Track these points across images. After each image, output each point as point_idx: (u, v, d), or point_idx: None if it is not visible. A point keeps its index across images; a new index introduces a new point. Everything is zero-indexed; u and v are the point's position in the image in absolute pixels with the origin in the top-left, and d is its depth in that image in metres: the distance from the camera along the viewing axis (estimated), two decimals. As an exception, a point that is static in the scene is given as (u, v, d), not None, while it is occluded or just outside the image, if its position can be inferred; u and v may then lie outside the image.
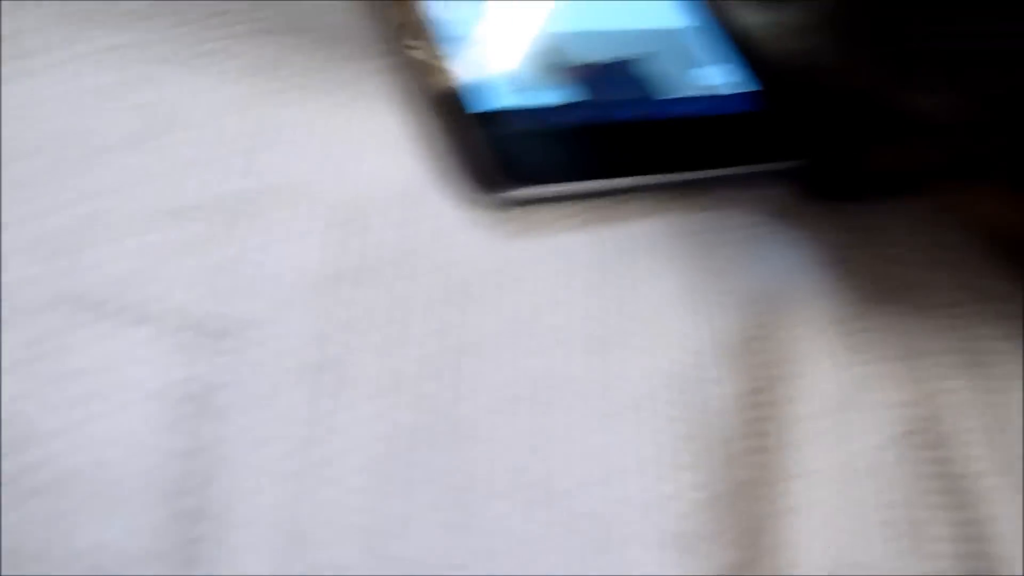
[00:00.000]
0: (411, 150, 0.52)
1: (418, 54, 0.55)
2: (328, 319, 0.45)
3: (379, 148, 0.51)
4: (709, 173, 0.55)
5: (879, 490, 0.47)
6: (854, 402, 0.49)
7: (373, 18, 0.57)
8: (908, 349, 0.52)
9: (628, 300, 0.49)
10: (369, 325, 0.45)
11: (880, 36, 0.52)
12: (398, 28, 0.56)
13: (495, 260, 0.49)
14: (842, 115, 0.57)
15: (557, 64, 0.56)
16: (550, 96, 0.55)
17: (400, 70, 0.54)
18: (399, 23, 0.56)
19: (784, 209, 0.56)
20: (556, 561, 0.41)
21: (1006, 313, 0.54)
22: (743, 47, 0.60)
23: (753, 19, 0.59)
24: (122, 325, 0.41)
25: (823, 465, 0.46)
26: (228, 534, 0.38)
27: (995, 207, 0.55)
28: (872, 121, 0.56)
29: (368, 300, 0.45)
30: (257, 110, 0.50)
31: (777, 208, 0.56)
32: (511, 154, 0.52)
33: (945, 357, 0.51)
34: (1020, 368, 0.51)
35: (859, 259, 0.55)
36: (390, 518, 0.40)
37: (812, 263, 0.54)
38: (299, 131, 0.51)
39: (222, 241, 0.45)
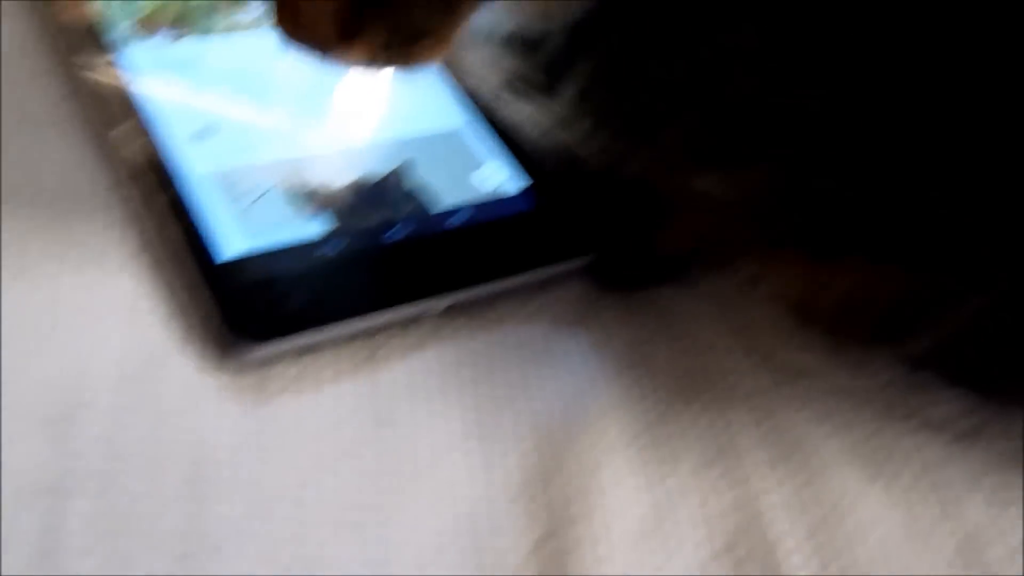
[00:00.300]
0: (146, 313, 0.46)
1: (153, 199, 0.49)
2: (50, 534, 0.38)
3: (107, 315, 0.46)
4: (491, 287, 0.51)
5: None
6: (666, 522, 0.45)
7: (99, 167, 0.51)
8: (718, 450, 0.48)
9: (405, 452, 0.45)
10: (96, 539, 0.39)
11: (639, 124, 0.49)
12: (129, 173, 0.50)
13: (246, 433, 0.43)
14: (622, 204, 0.54)
15: (309, 193, 0.52)
16: (304, 230, 0.50)
17: (133, 220, 0.49)
18: (130, 170, 0.50)
19: (576, 312, 0.52)
20: None
21: (817, 390, 0.51)
22: (514, 144, 0.56)
23: (521, 114, 0.56)
24: None
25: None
26: None
27: (796, 278, 0.52)
28: (653, 206, 0.53)
29: (93, 511, 0.39)
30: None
31: (569, 313, 0.52)
32: (261, 305, 0.47)
33: (758, 453, 0.48)
34: (838, 452, 0.48)
35: (660, 355, 0.52)
36: None
37: (609, 369, 0.50)
38: (13, 308, 0.44)
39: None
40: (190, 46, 0.57)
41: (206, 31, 0.59)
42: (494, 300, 0.51)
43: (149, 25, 0.57)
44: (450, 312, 0.50)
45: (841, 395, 0.50)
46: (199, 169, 0.51)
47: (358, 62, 0.41)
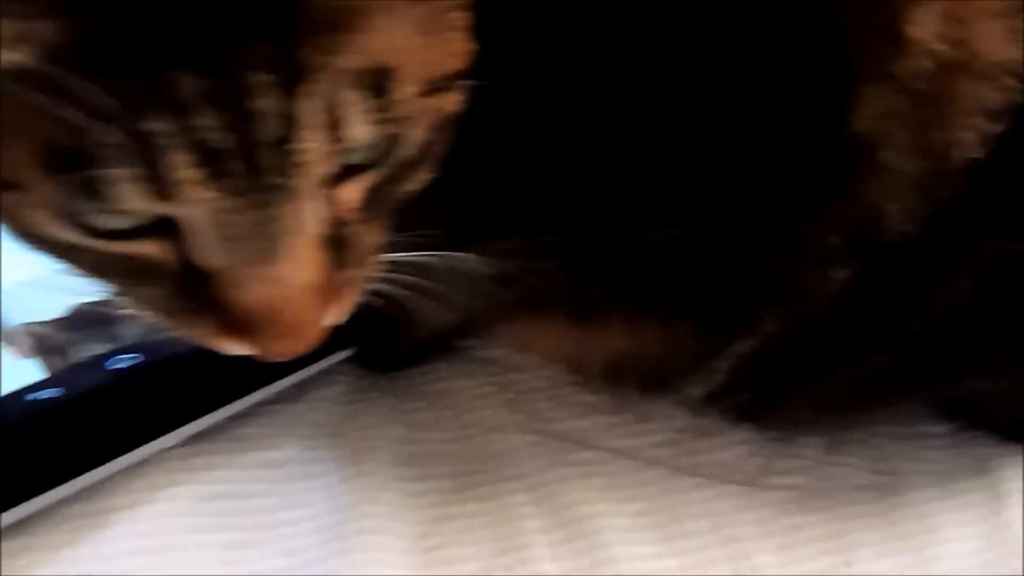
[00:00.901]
0: None
1: None
2: None
3: None
4: (240, 404, 0.47)
5: None
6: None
7: None
8: (506, 538, 0.46)
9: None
10: None
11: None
12: None
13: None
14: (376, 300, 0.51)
15: (11, 334, 0.46)
16: (12, 378, 0.44)
17: None
18: None
19: (342, 413, 0.49)
20: None
21: (599, 461, 0.49)
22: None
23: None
24: None
25: None
26: None
27: (563, 339, 0.50)
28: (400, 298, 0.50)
29: None
30: None
31: (332, 416, 0.49)
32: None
33: (545, 536, 0.46)
34: (627, 525, 0.46)
35: (438, 444, 0.49)
36: None
37: (386, 472, 0.47)
38: None
39: None
40: None
41: None
42: (245, 419, 0.47)
43: None
44: (195, 441, 0.45)
45: (624, 461, 0.48)
46: None
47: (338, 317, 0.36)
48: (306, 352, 0.34)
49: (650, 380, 0.49)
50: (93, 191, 0.28)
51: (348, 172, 0.31)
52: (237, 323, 0.33)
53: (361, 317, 0.49)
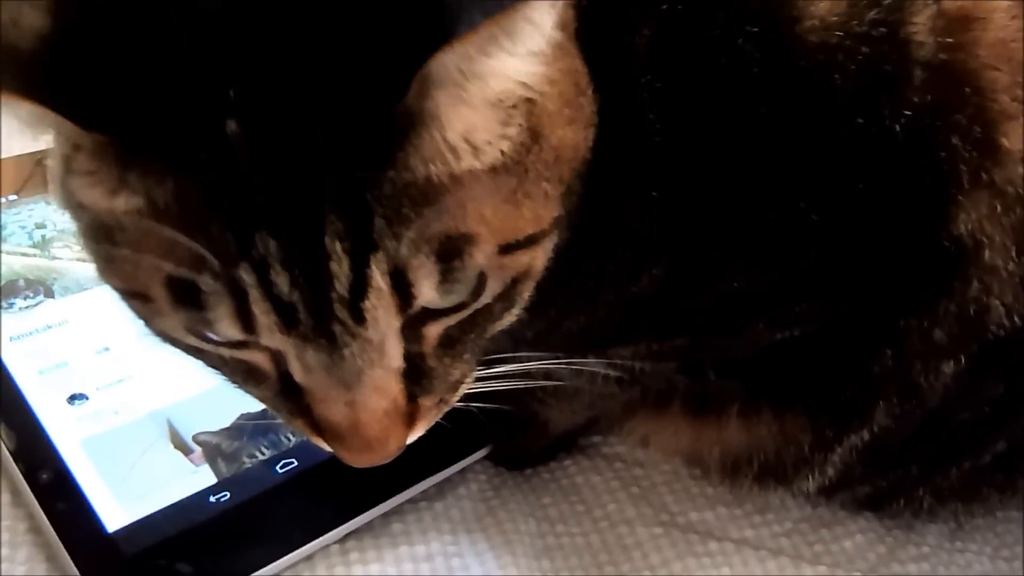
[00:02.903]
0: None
1: (36, 477, 0.48)
2: None
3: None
4: (392, 503, 0.51)
5: None
6: None
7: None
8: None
9: None
10: None
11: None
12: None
13: None
14: (506, 395, 0.55)
15: (190, 442, 0.51)
16: (190, 483, 0.49)
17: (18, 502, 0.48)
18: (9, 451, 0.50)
19: (479, 511, 0.53)
20: None
21: (724, 552, 0.51)
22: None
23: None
24: None
25: None
26: None
27: (682, 435, 0.53)
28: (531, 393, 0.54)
29: None
30: None
31: (471, 513, 0.52)
32: (157, 572, 0.46)
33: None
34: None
35: (570, 538, 0.52)
36: None
37: (521, 567, 0.50)
38: None
39: None
40: (51, 308, 0.57)
41: (65, 291, 0.58)
42: (393, 516, 0.51)
43: (7, 293, 0.57)
44: (351, 537, 0.49)
45: (748, 551, 0.50)
46: (77, 437, 0.50)
47: (416, 436, 0.39)
48: (388, 448, 0.37)
49: (766, 473, 0.51)
50: (204, 319, 0.32)
51: (429, 315, 0.35)
52: (325, 432, 0.37)
53: (494, 418, 0.53)
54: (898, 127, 0.39)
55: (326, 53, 0.30)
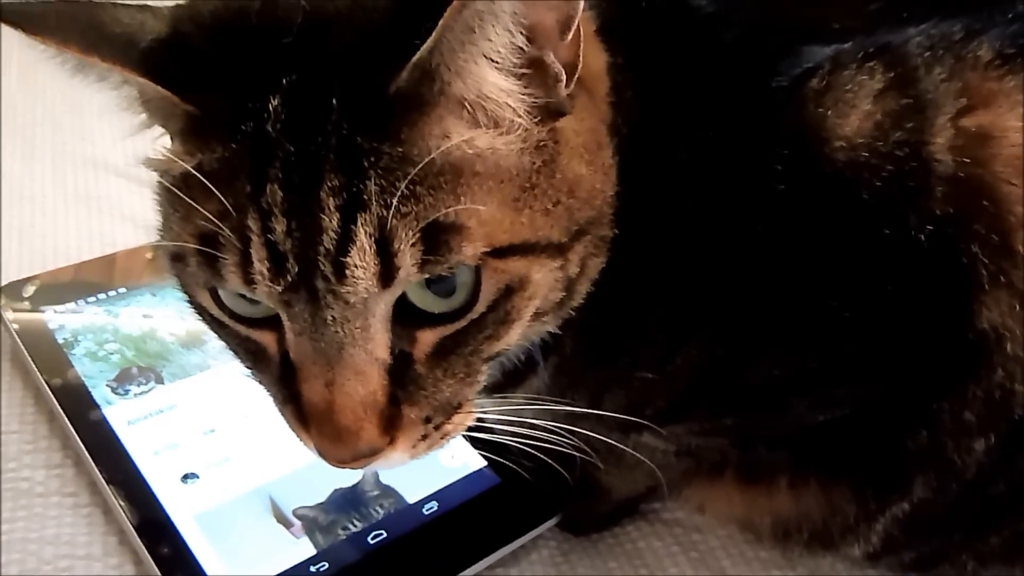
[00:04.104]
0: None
1: (154, 551, 0.54)
2: None
3: None
4: (474, 569, 0.56)
5: None
6: None
7: (96, 531, 0.56)
8: None
9: None
10: None
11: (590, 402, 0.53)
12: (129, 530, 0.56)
13: None
14: (572, 466, 0.60)
15: (290, 516, 0.57)
16: (291, 555, 0.55)
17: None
18: (129, 526, 0.56)
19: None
20: None
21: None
22: (470, 428, 0.62)
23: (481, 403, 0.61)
24: None
25: None
26: None
27: (735, 501, 0.58)
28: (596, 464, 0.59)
29: None
30: None
31: (544, 577, 0.57)
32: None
33: None
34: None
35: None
36: None
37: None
38: None
39: None
40: (162, 393, 0.63)
41: (173, 377, 0.65)
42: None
43: (122, 379, 0.64)
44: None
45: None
46: (191, 513, 0.56)
47: (400, 456, 0.41)
48: (353, 463, 0.39)
49: (815, 540, 0.55)
50: (219, 272, 0.38)
51: (424, 319, 0.38)
52: (305, 417, 0.40)
53: (562, 487, 0.58)
54: (923, 236, 0.44)
55: (354, 45, 0.37)
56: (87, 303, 0.69)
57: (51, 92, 0.95)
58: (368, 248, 0.36)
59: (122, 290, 0.70)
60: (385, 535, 0.57)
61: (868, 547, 0.54)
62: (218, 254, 0.37)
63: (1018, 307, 0.45)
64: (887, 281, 0.45)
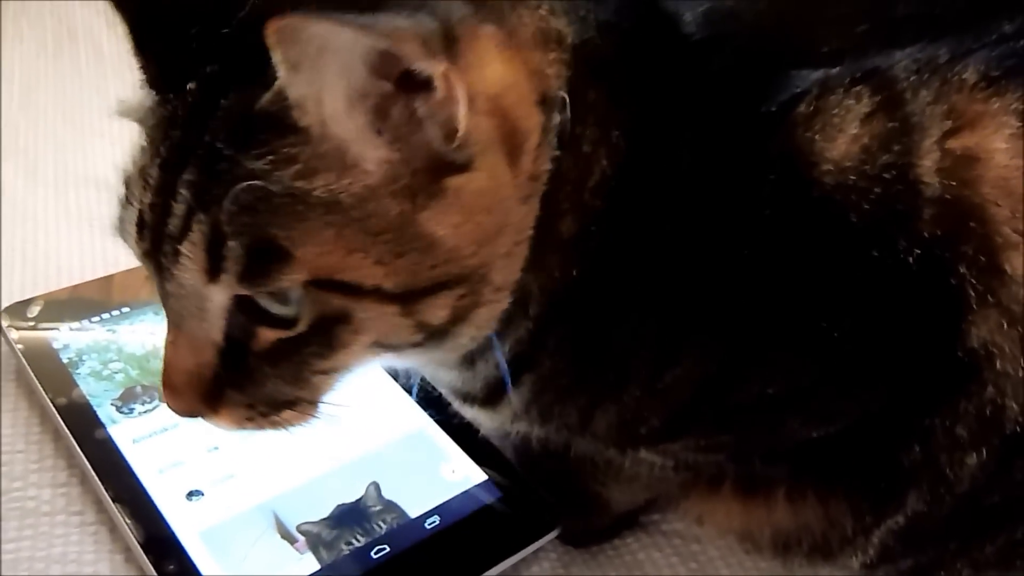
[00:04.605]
0: None
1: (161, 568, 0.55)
2: None
3: None
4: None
5: None
6: None
7: (102, 551, 0.57)
8: None
9: None
10: None
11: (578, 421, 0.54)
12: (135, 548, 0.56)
13: None
14: (570, 480, 0.61)
15: (293, 532, 0.58)
16: (296, 569, 0.56)
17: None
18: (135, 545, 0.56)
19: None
20: None
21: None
22: (471, 442, 0.63)
23: (475, 416, 0.62)
24: None
25: None
26: None
27: (734, 513, 0.58)
28: (594, 478, 0.60)
29: None
30: None
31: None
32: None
33: None
34: None
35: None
36: None
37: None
38: None
39: None
40: (165, 412, 0.64)
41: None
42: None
43: (126, 398, 0.64)
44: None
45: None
46: (196, 529, 0.57)
47: (226, 425, 0.45)
48: (184, 417, 0.44)
49: (815, 552, 0.55)
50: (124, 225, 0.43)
51: (264, 318, 0.41)
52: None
53: (562, 500, 0.59)
54: (911, 258, 0.44)
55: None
56: (91, 322, 0.70)
57: (52, 113, 0.97)
58: (198, 245, 0.40)
59: (125, 309, 0.71)
60: (388, 549, 0.57)
61: (865, 558, 0.54)
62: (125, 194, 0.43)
63: (1007, 325, 0.45)
64: (878, 302, 0.46)
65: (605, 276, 0.47)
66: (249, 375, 0.44)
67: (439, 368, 0.55)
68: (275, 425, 0.46)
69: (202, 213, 0.39)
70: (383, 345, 0.44)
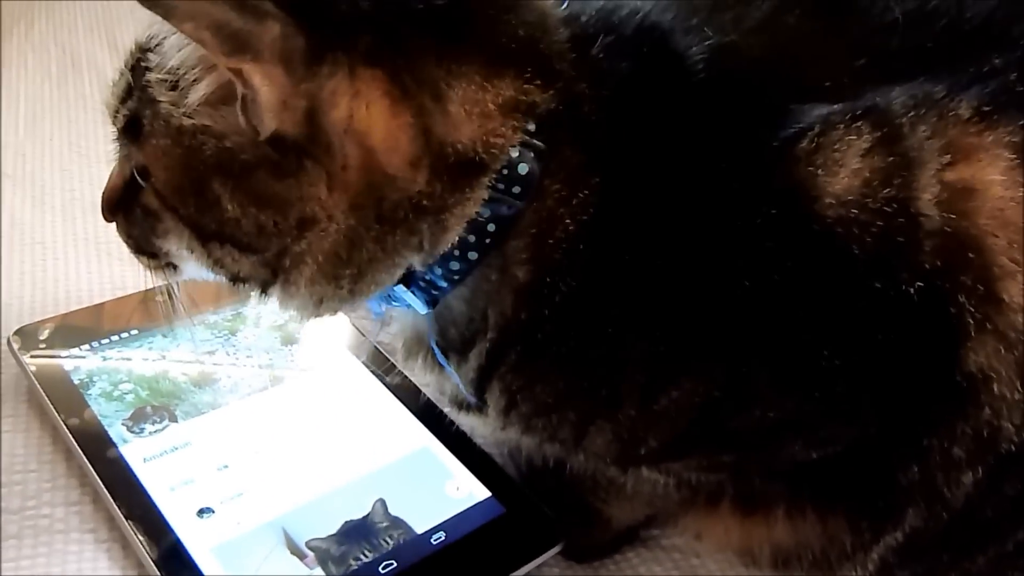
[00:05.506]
0: None
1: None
2: None
3: None
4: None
5: None
6: None
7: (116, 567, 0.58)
8: None
9: None
10: None
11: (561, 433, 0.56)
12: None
13: None
14: (570, 496, 0.62)
15: (303, 548, 0.59)
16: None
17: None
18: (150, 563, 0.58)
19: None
20: None
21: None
22: (474, 458, 0.64)
23: (471, 423, 0.64)
24: None
25: None
26: None
27: (733, 530, 0.60)
28: (593, 495, 0.61)
29: None
30: None
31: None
32: None
33: None
34: None
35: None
36: None
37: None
38: None
39: None
40: (175, 431, 0.66)
41: (186, 415, 0.67)
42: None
43: (137, 418, 0.66)
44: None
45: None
46: (207, 546, 0.58)
47: (120, 236, 0.55)
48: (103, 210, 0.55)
49: (814, 567, 0.57)
50: None
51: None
52: None
53: (564, 516, 0.61)
54: (912, 289, 0.46)
55: None
56: (101, 345, 0.71)
57: (58, 139, 0.98)
58: (122, 117, 0.50)
59: (134, 332, 0.72)
60: (395, 564, 0.58)
61: (864, 573, 0.56)
62: None
63: (1003, 350, 0.47)
64: (879, 331, 0.47)
65: (578, 309, 0.48)
66: (131, 212, 0.53)
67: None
68: (144, 265, 0.56)
69: (129, 100, 0.50)
70: (199, 259, 0.51)
